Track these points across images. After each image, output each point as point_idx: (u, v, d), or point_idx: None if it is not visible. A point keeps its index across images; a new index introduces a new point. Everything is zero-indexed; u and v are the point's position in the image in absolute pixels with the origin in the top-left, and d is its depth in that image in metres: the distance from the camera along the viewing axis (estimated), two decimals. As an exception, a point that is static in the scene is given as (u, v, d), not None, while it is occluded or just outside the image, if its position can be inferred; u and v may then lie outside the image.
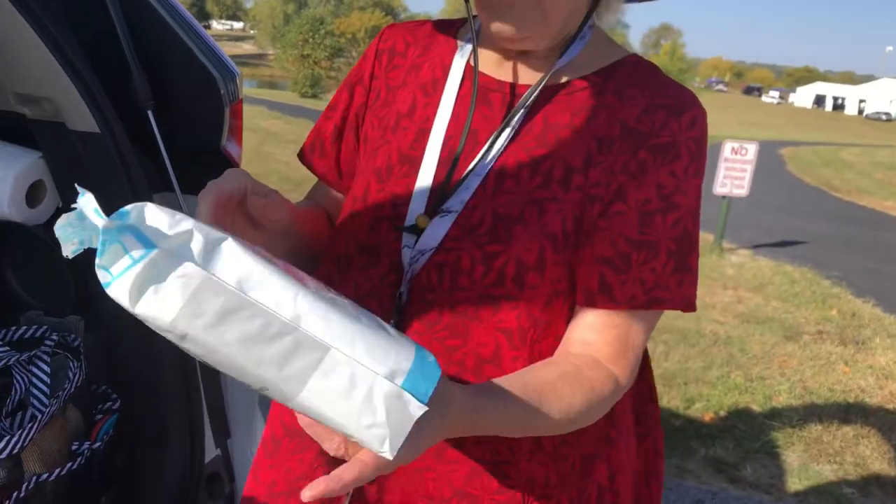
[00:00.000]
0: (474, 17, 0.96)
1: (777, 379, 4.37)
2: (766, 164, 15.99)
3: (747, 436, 3.60)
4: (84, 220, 0.61)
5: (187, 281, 0.61)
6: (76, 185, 0.63)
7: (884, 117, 78.54)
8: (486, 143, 0.93)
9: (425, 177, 0.94)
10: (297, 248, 1.02)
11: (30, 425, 1.33)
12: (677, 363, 4.43)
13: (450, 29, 1.05)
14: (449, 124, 0.96)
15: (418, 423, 0.64)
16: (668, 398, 3.93)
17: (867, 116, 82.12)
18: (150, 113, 1.50)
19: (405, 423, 0.64)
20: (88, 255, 0.62)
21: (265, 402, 1.20)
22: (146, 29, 1.53)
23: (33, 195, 1.62)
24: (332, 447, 0.73)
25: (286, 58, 60.27)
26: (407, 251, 0.91)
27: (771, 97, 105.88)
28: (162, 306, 0.61)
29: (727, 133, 21.05)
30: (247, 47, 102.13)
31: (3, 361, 1.42)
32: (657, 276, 0.89)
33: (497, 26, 0.89)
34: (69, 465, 1.42)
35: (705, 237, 7.45)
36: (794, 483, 3.23)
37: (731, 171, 6.97)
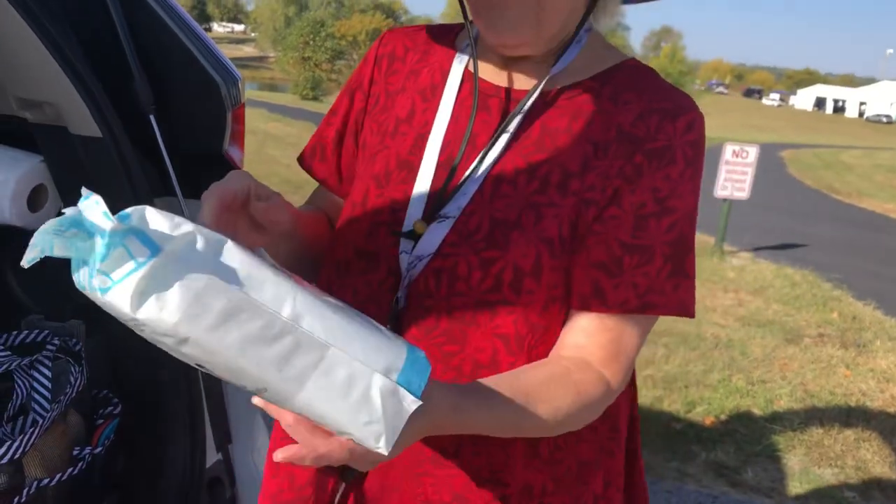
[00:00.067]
0: (471, 22, 0.96)
1: (778, 382, 4.36)
2: (767, 167, 15.98)
3: (748, 439, 3.59)
4: (68, 227, 0.60)
5: (191, 283, 0.61)
6: (83, 187, 0.62)
7: (884, 120, 78.57)
8: (483, 148, 0.93)
9: (423, 182, 0.94)
10: (298, 251, 1.03)
11: (31, 430, 1.33)
12: (678, 366, 4.42)
13: (449, 34, 1.05)
14: (447, 130, 0.96)
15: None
16: (669, 402, 3.93)
17: (868, 119, 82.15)
18: (151, 117, 1.50)
19: (400, 419, 0.65)
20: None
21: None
22: (147, 32, 1.53)
23: (35, 199, 1.62)
24: (310, 457, 0.73)
25: (287, 60, 60.25)
26: (405, 257, 0.92)
27: (771, 100, 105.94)
28: (165, 310, 0.60)
29: (728, 136, 21.05)
30: (248, 50, 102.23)
31: (5, 366, 1.42)
32: (651, 281, 0.89)
33: (492, 33, 0.90)
34: (70, 470, 1.42)
35: (706, 240, 7.45)
36: (795, 487, 3.23)
37: (732, 174, 6.98)
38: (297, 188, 8.58)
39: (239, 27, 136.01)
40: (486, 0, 0.88)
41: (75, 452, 1.45)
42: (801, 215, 11.69)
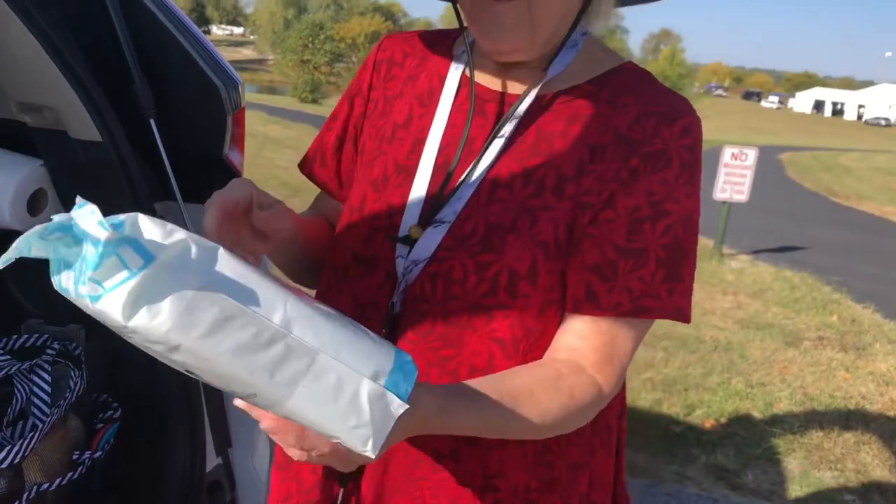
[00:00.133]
0: (466, 29, 0.96)
1: (777, 385, 4.36)
2: (766, 170, 16.00)
3: (748, 442, 3.59)
4: (53, 231, 0.60)
5: (182, 292, 0.61)
6: (78, 196, 0.62)
7: (883, 122, 78.70)
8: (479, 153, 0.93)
9: (420, 187, 0.95)
10: (301, 257, 1.03)
11: (31, 435, 1.33)
12: (677, 369, 4.42)
13: (446, 40, 1.05)
14: (444, 134, 0.97)
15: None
16: (669, 405, 3.93)
17: (866, 122, 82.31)
18: (151, 121, 1.50)
19: (387, 422, 0.66)
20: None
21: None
22: (147, 36, 1.53)
23: (35, 204, 1.62)
24: (294, 453, 0.74)
25: (286, 63, 60.32)
26: (401, 261, 0.92)
27: (770, 102, 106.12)
28: (157, 319, 0.61)
29: (727, 138, 21.06)
30: (246, 52, 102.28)
31: (5, 370, 1.42)
32: (645, 285, 0.88)
33: (487, 40, 0.91)
34: (70, 474, 1.42)
35: (705, 242, 7.45)
36: (795, 490, 3.23)
37: (731, 177, 6.99)
38: (296, 191, 8.59)
39: (238, 30, 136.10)
40: (479, 7, 0.88)
41: (75, 457, 1.45)
42: (800, 218, 11.70)
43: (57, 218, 0.60)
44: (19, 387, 1.45)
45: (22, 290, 1.75)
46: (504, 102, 0.96)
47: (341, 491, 0.96)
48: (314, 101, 42.24)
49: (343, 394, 0.65)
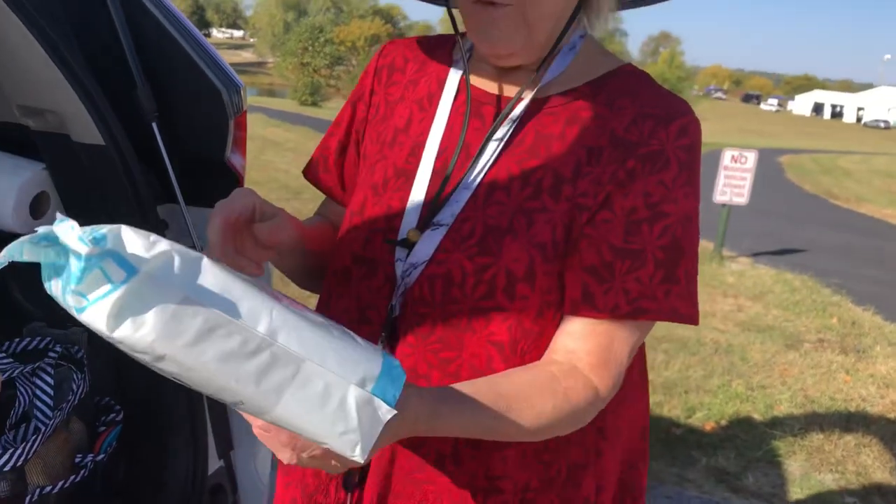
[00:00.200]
0: (463, 34, 0.97)
1: (778, 388, 4.37)
2: (766, 172, 16.01)
3: (749, 445, 3.59)
4: (40, 241, 0.60)
5: (167, 303, 0.61)
6: (58, 213, 0.63)
7: (882, 125, 78.72)
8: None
9: (418, 190, 0.95)
10: (305, 263, 1.04)
11: (33, 437, 1.33)
12: (678, 372, 4.43)
13: (446, 44, 1.06)
14: (443, 138, 0.97)
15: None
16: (669, 407, 3.93)
17: (865, 124, 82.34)
18: (154, 124, 1.51)
19: (375, 428, 0.67)
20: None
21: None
22: (150, 40, 1.53)
23: (37, 207, 1.62)
24: (285, 456, 0.74)
25: (286, 66, 60.33)
26: (399, 264, 0.93)
27: (769, 105, 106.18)
28: (141, 330, 0.61)
29: (726, 141, 21.08)
30: (246, 55, 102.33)
31: (7, 373, 1.42)
32: (642, 286, 0.88)
33: (484, 45, 0.91)
34: (72, 477, 1.42)
35: (705, 245, 7.46)
36: (796, 492, 3.23)
37: (731, 180, 6.99)
38: (296, 194, 8.60)
39: (238, 33, 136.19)
40: (475, 11, 0.89)
41: (77, 460, 1.45)
42: (799, 220, 11.70)
43: (41, 230, 0.61)
44: (22, 390, 1.45)
45: (24, 294, 1.75)
46: (501, 106, 0.96)
47: (347, 497, 0.96)
48: (314, 104, 42.22)
49: (330, 400, 0.66)
